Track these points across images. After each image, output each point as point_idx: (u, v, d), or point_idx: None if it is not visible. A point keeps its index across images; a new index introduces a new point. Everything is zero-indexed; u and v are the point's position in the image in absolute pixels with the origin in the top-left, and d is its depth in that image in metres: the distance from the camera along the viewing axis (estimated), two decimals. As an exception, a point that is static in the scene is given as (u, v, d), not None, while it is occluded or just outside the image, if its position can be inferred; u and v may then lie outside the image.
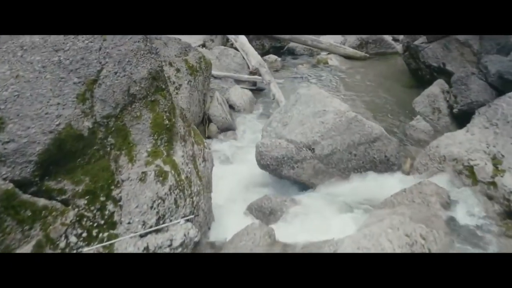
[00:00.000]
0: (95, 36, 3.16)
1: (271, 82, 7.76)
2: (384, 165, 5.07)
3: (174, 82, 5.70)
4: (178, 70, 5.78)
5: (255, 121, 7.27)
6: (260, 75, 8.30)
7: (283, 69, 10.00)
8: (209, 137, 6.61)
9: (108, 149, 3.16)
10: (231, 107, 7.55)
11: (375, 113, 7.35)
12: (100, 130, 3.11)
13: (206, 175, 4.28)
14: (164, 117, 3.53)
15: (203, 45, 11.11)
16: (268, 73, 8.09)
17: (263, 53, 10.70)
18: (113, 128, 3.19)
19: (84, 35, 3.11)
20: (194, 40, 10.92)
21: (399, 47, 10.81)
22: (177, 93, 5.65)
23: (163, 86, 3.66)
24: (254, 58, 8.76)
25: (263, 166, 5.01)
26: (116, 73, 3.20)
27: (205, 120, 6.63)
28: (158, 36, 5.98)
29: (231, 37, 10.26)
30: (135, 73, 3.31)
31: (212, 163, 4.55)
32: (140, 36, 3.45)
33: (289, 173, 4.94)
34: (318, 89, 5.71)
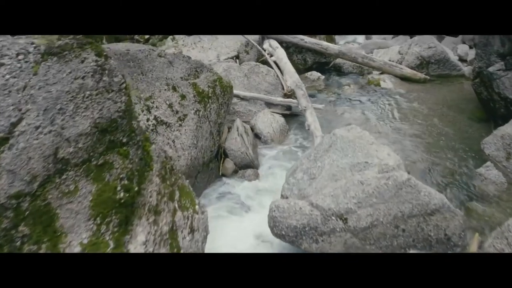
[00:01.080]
0: (24, 67, 2.15)
1: (307, 109, 6.59)
2: (443, 246, 3.81)
3: (177, 112, 4.65)
4: (183, 97, 4.73)
5: (285, 156, 6.13)
6: (295, 97, 7.15)
7: (326, 90, 8.81)
8: (223, 175, 5.54)
9: (18, 243, 2.12)
10: (257, 136, 6.46)
11: (431, 153, 6.05)
12: (5, 217, 2.07)
13: (194, 251, 3.20)
14: (118, 188, 2.46)
15: (237, 57, 10.08)
16: (305, 97, 6.93)
17: (305, 69, 9.57)
18: (27, 212, 2.14)
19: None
20: (227, 50, 9.93)
21: (466, 69, 9.38)
22: (180, 125, 4.60)
23: (125, 140, 2.59)
24: (290, 76, 7.62)
25: (277, 235, 3.87)
26: (38, 127, 2.16)
27: (220, 154, 5.55)
28: (163, 53, 4.95)
29: (268, 48, 9.17)
30: (69, 127, 2.25)
31: (206, 231, 3.47)
32: (91, 67, 2.40)
33: (311, 247, 3.77)
34: (361, 131, 4.51)
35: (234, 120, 6.15)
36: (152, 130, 4.60)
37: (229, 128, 5.87)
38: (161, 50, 5.03)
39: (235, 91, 6.96)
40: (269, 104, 7.25)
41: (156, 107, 4.70)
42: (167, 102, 4.72)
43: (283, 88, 7.52)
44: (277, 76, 7.70)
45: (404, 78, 9.21)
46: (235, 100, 7.09)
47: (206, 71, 5.22)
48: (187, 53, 10.17)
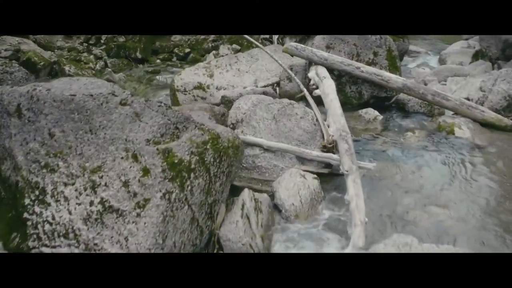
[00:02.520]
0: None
1: (350, 173, 4.91)
2: None
3: (135, 194, 3.16)
4: (146, 172, 3.22)
5: (307, 242, 4.49)
6: (337, 151, 5.50)
7: (383, 136, 7.05)
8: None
9: None
10: (276, 207, 4.87)
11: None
12: None
13: None
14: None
15: (277, 84, 8.52)
16: (350, 154, 5.25)
17: (359, 105, 7.88)
18: None
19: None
20: (267, 75, 8.45)
21: None
22: (137, 215, 3.11)
23: None
24: (335, 121, 5.96)
25: None
26: None
27: (212, 244, 4.00)
28: (129, 99, 3.48)
29: (314, 77, 7.53)
30: None
31: None
32: None
33: None
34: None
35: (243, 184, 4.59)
36: (96, 220, 3.12)
37: (231, 202, 4.30)
38: (127, 95, 3.54)
39: (257, 139, 5.43)
40: (301, 159, 5.63)
41: (106, 184, 3.23)
42: (122, 179, 3.23)
43: (322, 137, 5.87)
44: (317, 119, 6.04)
45: (486, 124, 7.28)
46: (256, 151, 5.56)
47: (193, 128, 3.68)
48: (220, 76, 8.74)
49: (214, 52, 13.04)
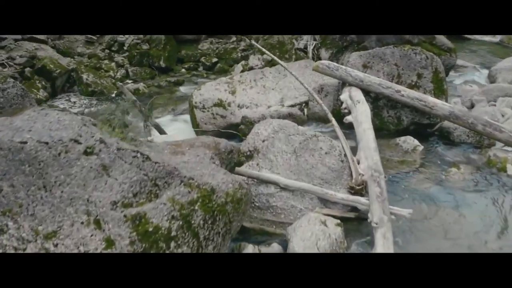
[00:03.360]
0: None
1: (380, 226, 4.16)
2: None
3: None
4: (110, 243, 2.57)
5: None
6: (367, 193, 4.75)
7: (422, 171, 6.25)
8: None
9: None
10: (290, 263, 4.12)
11: None
12: None
13: None
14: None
15: (306, 104, 7.82)
16: (382, 201, 4.49)
17: (397, 131, 7.10)
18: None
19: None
20: (295, 94, 7.80)
21: None
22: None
23: None
24: (367, 156, 5.22)
25: None
26: None
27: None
28: (95, 147, 2.83)
29: (347, 100, 6.80)
30: None
31: None
32: None
33: None
34: None
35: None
36: (46, 297, 2.48)
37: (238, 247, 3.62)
38: (95, 141, 2.89)
39: (273, 176, 4.76)
40: (324, 200, 4.90)
41: (61, 254, 2.58)
42: (81, 249, 2.57)
43: (350, 176, 5.12)
44: (345, 155, 5.30)
45: (547, 161, 6.38)
46: (272, 189, 4.89)
47: (178, 184, 2.99)
48: (242, 93, 8.09)
49: (243, 62, 12.40)
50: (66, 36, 12.36)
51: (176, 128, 8.51)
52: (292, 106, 7.82)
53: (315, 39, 12.50)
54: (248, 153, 5.75)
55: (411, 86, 7.16)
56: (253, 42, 9.26)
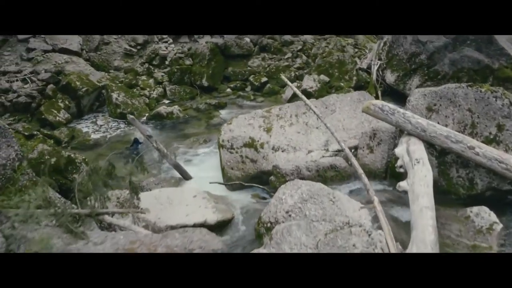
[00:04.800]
0: None
1: None
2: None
3: None
4: None
5: None
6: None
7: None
8: None
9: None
10: None
11: None
12: None
13: None
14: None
15: (355, 149, 6.51)
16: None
17: (469, 197, 5.77)
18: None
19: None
20: (344, 135, 6.69)
21: None
22: None
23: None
24: (419, 248, 3.87)
25: None
26: None
27: None
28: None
29: (403, 155, 5.44)
30: None
31: None
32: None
33: None
34: None
35: None
36: None
37: None
38: None
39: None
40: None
41: None
42: None
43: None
44: (385, 245, 3.96)
45: None
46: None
47: None
48: (280, 132, 6.92)
49: (296, 83, 11.16)
50: (103, 48, 11.66)
51: (205, 169, 7.44)
52: (337, 152, 6.50)
53: (380, 59, 11.09)
54: (269, 224, 4.62)
55: (488, 141, 5.64)
56: (282, 76, 7.94)
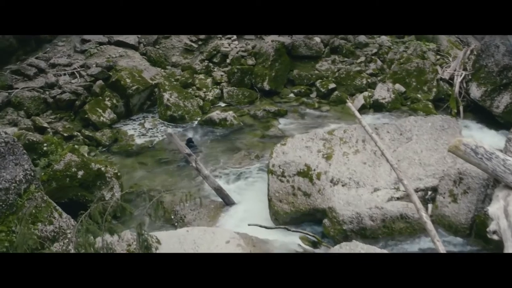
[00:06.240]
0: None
1: None
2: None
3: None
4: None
5: None
6: None
7: None
8: None
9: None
10: None
11: None
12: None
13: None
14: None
15: (432, 199, 5.17)
16: None
17: None
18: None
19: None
20: (421, 172, 5.48)
21: None
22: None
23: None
24: None
25: None
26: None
27: None
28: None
29: (499, 217, 4.08)
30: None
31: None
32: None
33: None
34: None
35: None
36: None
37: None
38: None
39: None
40: None
41: None
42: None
43: None
44: None
45: None
46: None
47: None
48: (341, 160, 5.68)
49: (367, 92, 9.78)
50: (162, 42, 10.71)
51: (251, 194, 6.34)
52: (402, 199, 5.16)
53: (465, 69, 9.50)
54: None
55: None
56: (348, 104, 6.47)
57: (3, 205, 4.25)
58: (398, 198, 5.27)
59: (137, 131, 8.41)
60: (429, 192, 5.32)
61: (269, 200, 5.68)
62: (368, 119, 7.90)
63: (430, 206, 5.13)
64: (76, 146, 6.95)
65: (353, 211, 4.93)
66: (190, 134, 8.25)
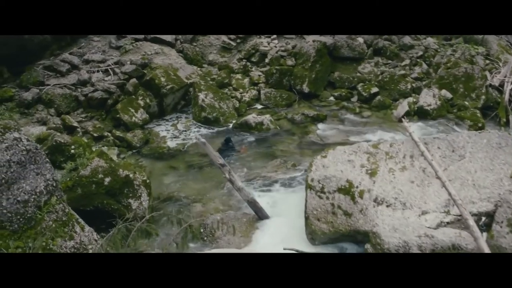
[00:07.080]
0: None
1: None
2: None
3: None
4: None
5: None
6: None
7: None
8: None
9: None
10: None
11: None
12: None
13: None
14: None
15: (487, 217, 4.64)
16: None
17: None
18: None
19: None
20: (475, 195, 5.11)
21: None
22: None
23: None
24: None
25: None
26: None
27: None
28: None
29: None
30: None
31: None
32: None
33: None
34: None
35: None
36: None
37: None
38: None
39: None
40: None
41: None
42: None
43: None
44: None
45: None
46: None
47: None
48: (387, 177, 5.21)
49: (412, 98, 9.21)
50: (200, 39, 10.33)
51: (287, 207, 5.93)
52: (457, 221, 4.64)
53: (517, 74, 8.90)
54: None
55: None
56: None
57: (21, 219, 3.93)
58: (448, 223, 4.77)
59: (169, 133, 8.08)
60: (483, 218, 4.79)
61: (306, 218, 5.23)
62: (414, 128, 7.36)
63: (485, 234, 4.58)
64: (105, 147, 6.67)
65: (400, 239, 4.43)
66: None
